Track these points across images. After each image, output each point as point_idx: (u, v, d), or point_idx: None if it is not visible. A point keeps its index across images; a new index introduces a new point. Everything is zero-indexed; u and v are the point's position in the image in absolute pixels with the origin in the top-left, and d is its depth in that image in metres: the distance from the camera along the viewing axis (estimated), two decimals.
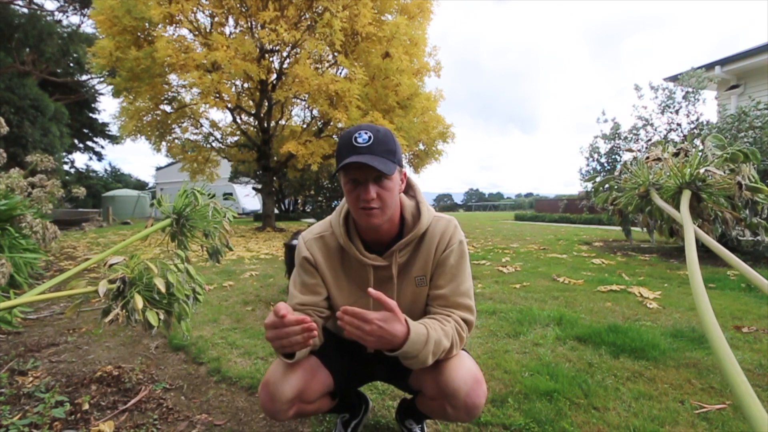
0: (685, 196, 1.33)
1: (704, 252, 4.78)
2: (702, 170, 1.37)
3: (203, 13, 10.00)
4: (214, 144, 12.09)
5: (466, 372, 1.05)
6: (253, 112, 11.42)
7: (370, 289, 0.93)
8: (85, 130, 23.02)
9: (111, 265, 1.26)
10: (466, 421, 1.41)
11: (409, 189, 1.21)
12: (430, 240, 1.13)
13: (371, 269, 1.13)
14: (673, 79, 7.46)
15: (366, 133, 1.00)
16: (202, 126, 11.79)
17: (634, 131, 7.02)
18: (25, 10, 15.54)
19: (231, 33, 10.23)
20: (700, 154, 1.46)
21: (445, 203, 58.23)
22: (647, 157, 1.54)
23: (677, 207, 1.35)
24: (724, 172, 1.37)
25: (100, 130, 23.19)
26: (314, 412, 1.20)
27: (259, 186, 13.01)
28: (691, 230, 1.07)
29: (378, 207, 1.02)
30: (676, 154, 1.48)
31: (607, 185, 1.78)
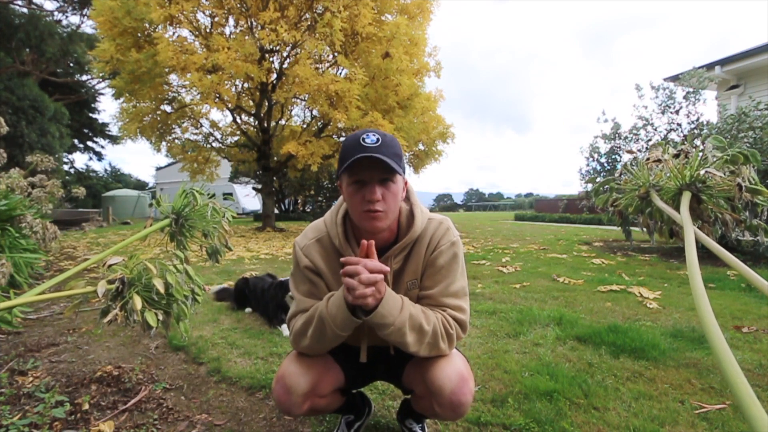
0: (685, 198, 1.33)
1: (704, 251, 4.78)
2: (702, 172, 1.36)
3: (203, 13, 10.00)
4: (214, 144, 12.09)
5: (452, 370, 1.06)
6: (253, 112, 11.41)
7: (364, 241, 0.98)
8: (85, 131, 23.00)
9: (110, 266, 1.26)
10: (453, 420, 1.41)
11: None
12: (421, 243, 1.12)
13: None
14: (674, 78, 7.46)
15: (374, 134, 1.00)
16: (202, 126, 11.80)
17: (635, 131, 7.01)
18: (25, 10, 15.54)
19: (231, 33, 10.22)
20: (700, 155, 1.46)
21: (445, 203, 58.21)
22: (647, 159, 1.54)
23: (677, 208, 1.35)
24: (725, 174, 1.37)
25: (100, 130, 23.17)
26: (325, 407, 1.21)
27: (259, 186, 13.01)
28: (691, 232, 1.07)
29: (383, 210, 1.01)
30: (676, 156, 1.48)
31: (607, 186, 1.78)
